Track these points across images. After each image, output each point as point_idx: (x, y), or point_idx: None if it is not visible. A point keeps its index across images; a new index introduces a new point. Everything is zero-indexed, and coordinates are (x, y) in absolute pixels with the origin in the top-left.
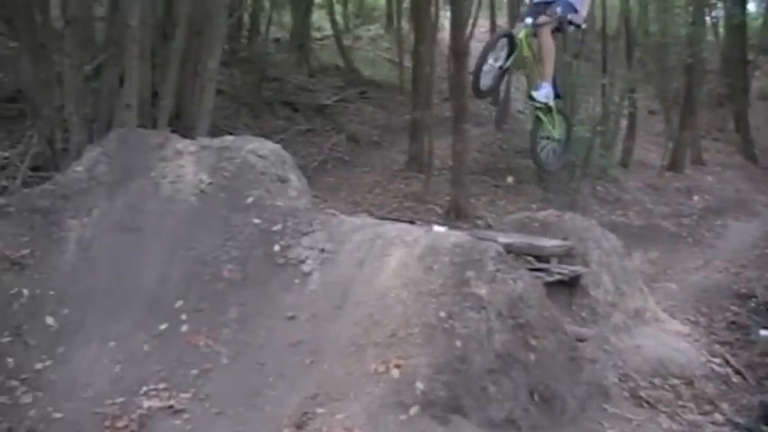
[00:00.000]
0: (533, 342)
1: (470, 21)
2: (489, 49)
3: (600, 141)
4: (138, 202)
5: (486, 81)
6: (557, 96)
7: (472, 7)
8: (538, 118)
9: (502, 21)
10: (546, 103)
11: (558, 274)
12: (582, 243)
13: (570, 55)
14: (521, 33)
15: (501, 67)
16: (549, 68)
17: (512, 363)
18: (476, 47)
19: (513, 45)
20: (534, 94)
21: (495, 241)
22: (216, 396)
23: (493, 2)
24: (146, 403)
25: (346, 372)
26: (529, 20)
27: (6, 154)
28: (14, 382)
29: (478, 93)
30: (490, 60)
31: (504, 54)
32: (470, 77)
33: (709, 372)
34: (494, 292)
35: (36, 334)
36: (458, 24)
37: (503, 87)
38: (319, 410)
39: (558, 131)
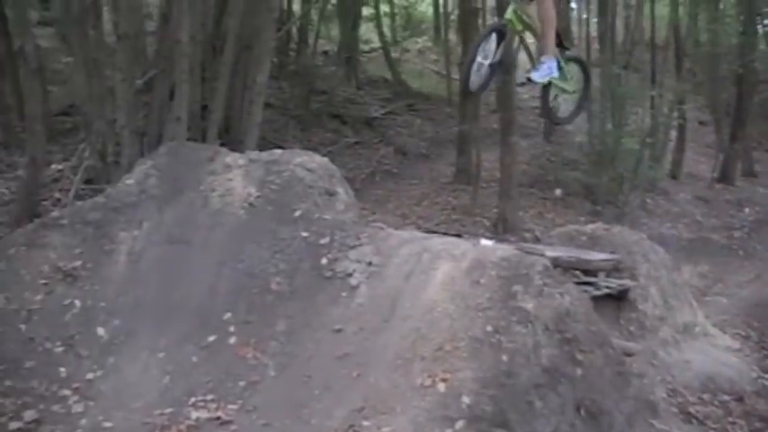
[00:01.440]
0: (580, 357)
1: None
2: (478, 46)
3: (649, 153)
4: (188, 215)
5: (475, 80)
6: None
7: None
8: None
9: None
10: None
11: (606, 287)
12: (630, 256)
13: (619, 66)
14: (508, 11)
15: (491, 65)
16: (550, 40)
17: (558, 377)
18: (523, 59)
19: (501, 38)
20: (534, 76)
21: (543, 255)
22: (263, 408)
23: None
24: (194, 414)
25: (393, 385)
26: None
27: (60, 167)
28: (67, 391)
29: (468, 93)
30: (479, 58)
31: (492, 49)
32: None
33: (760, 388)
34: (541, 306)
35: (87, 344)
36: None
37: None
38: (365, 423)
39: (571, 83)
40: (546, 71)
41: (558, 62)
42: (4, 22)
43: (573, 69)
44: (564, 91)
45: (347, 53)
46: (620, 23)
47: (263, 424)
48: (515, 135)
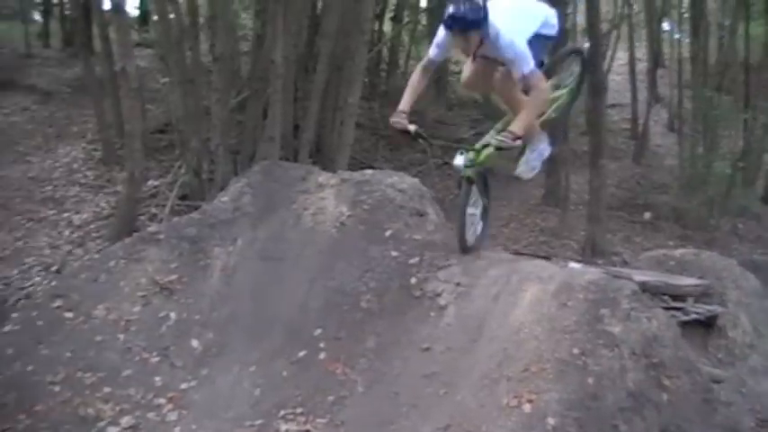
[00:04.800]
0: (667, 382)
1: (608, 54)
2: (464, 205)
3: (741, 177)
4: (281, 233)
5: (471, 235)
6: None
7: (610, 41)
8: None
9: (641, 53)
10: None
11: (695, 313)
12: (720, 282)
13: (711, 88)
14: (463, 170)
15: (484, 207)
16: (537, 125)
17: (644, 402)
18: (614, 80)
19: (481, 183)
20: (523, 173)
21: (631, 279)
22: (350, 423)
23: (632, 35)
24: (283, 427)
25: (479, 404)
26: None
27: (156, 183)
28: (161, 400)
29: (465, 249)
30: (469, 211)
31: (477, 196)
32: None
33: None
34: (628, 330)
35: (182, 355)
36: (595, 58)
37: (641, 121)
38: None
39: (567, 80)
40: (538, 159)
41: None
42: (107, 44)
43: (572, 63)
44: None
45: (437, 74)
46: (712, 44)
47: None
48: (605, 157)
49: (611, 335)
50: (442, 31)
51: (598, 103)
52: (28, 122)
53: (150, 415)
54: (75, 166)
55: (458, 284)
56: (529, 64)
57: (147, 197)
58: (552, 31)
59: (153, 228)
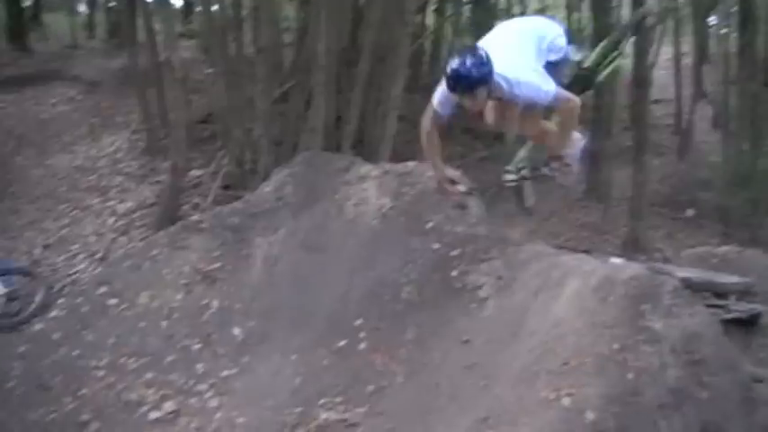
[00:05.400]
0: (707, 379)
1: (653, 48)
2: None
3: None
4: (323, 223)
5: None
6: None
7: (655, 34)
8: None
9: (686, 47)
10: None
11: (736, 311)
12: (762, 281)
13: (758, 84)
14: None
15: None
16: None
17: (684, 399)
18: (658, 75)
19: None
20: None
21: (673, 275)
22: (390, 413)
23: (677, 29)
24: (323, 415)
25: (518, 397)
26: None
27: (199, 173)
28: (203, 386)
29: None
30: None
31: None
32: None
33: None
34: (669, 326)
35: (224, 343)
36: (641, 52)
37: (685, 116)
38: None
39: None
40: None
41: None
42: (151, 35)
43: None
44: None
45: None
46: (760, 39)
47: (389, 428)
48: (648, 153)
49: (651, 331)
50: (443, 88)
51: (642, 98)
52: (73, 112)
53: (192, 401)
54: (119, 155)
55: (499, 278)
56: (548, 93)
57: (189, 187)
58: (560, 54)
59: (196, 217)
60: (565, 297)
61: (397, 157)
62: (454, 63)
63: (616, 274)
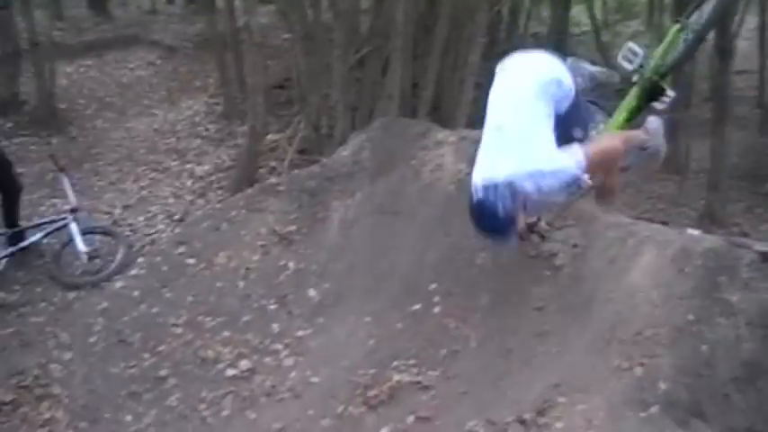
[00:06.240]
0: None
1: (737, 18)
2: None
3: None
4: (399, 188)
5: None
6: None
7: (740, 4)
8: None
9: None
10: None
11: None
12: None
13: None
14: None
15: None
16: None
17: (759, 373)
18: (741, 45)
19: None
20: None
21: (751, 248)
22: (462, 376)
23: None
24: (396, 377)
25: (590, 365)
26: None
27: (276, 137)
28: (278, 346)
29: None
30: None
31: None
32: None
33: None
34: (745, 299)
35: (299, 304)
36: (724, 21)
37: None
38: (561, 399)
39: None
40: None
41: None
42: (229, 1)
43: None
44: None
45: (557, 35)
46: None
47: (462, 392)
48: (729, 125)
49: (728, 303)
50: None
51: (724, 69)
52: (153, 77)
53: (267, 360)
54: (197, 119)
55: (574, 246)
56: (574, 167)
57: (266, 150)
58: (566, 103)
59: (273, 179)
60: (640, 267)
61: (474, 124)
62: (479, 195)
63: (693, 245)
